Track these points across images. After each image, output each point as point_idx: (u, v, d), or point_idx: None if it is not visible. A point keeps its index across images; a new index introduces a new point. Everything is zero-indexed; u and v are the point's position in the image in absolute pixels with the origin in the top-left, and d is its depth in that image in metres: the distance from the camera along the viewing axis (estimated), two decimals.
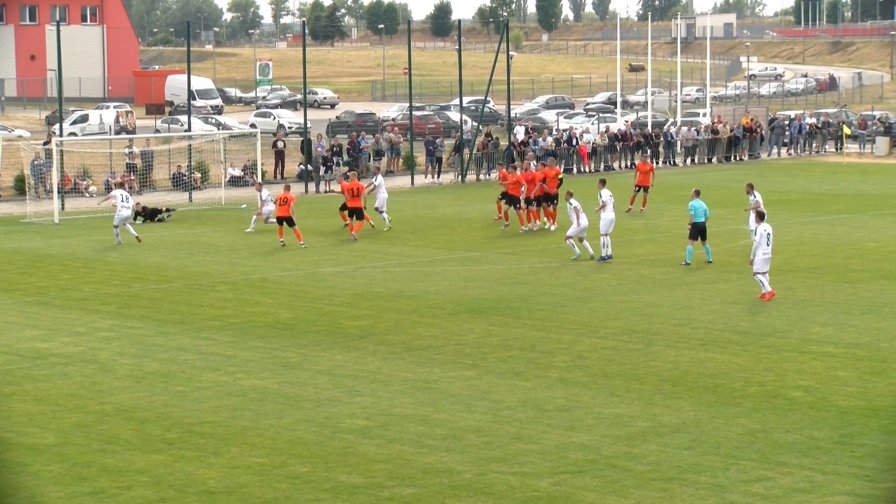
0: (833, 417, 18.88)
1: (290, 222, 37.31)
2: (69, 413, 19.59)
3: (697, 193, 33.21)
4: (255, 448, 17.63)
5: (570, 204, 33.65)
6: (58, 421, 19.17)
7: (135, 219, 42.16)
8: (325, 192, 54.46)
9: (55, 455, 17.42)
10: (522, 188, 39.64)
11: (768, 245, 27.96)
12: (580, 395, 20.33)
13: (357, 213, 38.81)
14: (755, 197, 34.01)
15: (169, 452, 17.46)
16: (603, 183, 34.86)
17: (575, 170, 62.96)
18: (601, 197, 33.69)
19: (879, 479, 16.13)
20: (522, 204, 39.81)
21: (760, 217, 28.87)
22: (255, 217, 41.57)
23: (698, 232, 32.67)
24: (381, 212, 40.98)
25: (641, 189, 45.20)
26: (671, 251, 34.16)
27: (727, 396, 20.12)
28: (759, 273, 28.12)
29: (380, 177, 42.39)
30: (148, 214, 44.26)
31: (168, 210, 45.22)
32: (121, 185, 44.54)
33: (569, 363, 22.50)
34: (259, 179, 49.21)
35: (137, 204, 45.66)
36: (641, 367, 22.11)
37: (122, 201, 38.27)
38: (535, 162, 45.44)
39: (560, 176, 40.72)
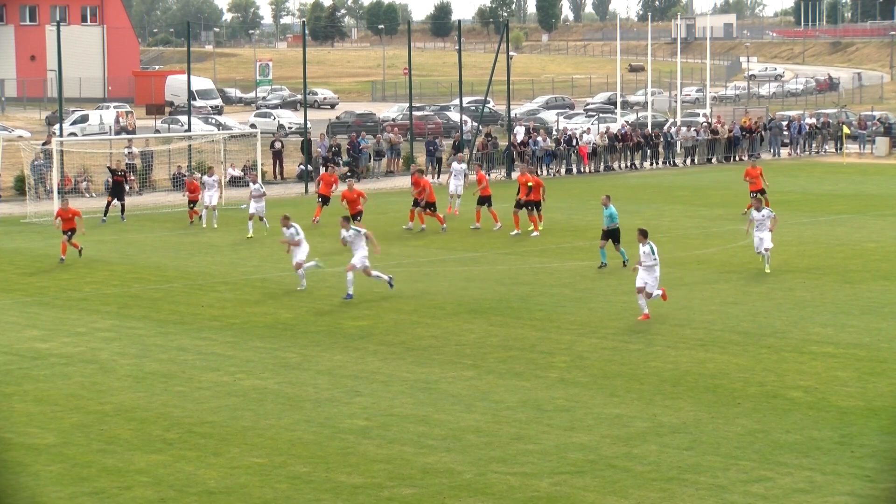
0: (833, 417, 18.89)
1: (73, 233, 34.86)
2: (69, 413, 19.59)
3: (609, 199, 32.81)
4: (255, 448, 17.63)
5: (359, 231, 29.95)
6: (58, 421, 19.18)
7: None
8: None
9: (55, 455, 17.43)
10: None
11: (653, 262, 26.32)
12: (580, 395, 20.33)
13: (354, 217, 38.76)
14: (769, 213, 31.79)
15: (169, 452, 17.46)
16: (347, 220, 30.73)
17: (575, 170, 62.98)
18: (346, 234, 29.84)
19: (879, 479, 16.13)
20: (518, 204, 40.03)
21: (644, 235, 26.52)
22: (203, 211, 43.33)
23: (613, 234, 32.55)
24: (250, 217, 40.66)
25: (757, 194, 40.17)
26: (671, 251, 34.13)
27: (727, 396, 20.12)
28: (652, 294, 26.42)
29: (255, 185, 41.81)
30: (114, 187, 44.84)
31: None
32: None
33: (569, 363, 22.50)
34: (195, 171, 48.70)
35: (118, 163, 46.93)
36: (641, 367, 22.11)
37: None
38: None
39: (530, 184, 38.61)
